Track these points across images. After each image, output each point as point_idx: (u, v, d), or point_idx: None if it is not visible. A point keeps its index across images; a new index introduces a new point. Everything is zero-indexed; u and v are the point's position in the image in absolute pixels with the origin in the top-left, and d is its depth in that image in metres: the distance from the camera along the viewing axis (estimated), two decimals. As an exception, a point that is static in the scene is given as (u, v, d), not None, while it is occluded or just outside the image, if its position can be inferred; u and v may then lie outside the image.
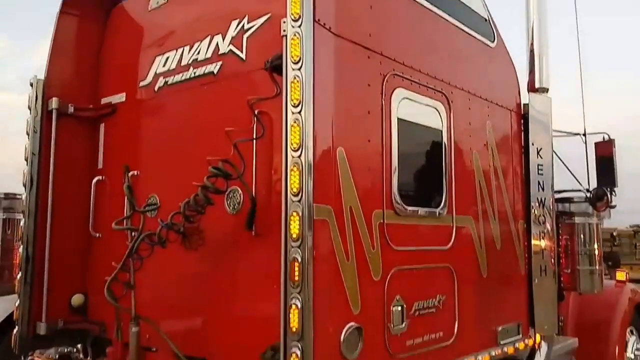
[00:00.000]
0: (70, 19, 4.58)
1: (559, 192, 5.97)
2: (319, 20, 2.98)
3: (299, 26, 2.89)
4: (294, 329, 2.73)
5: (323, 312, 2.82)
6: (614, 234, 27.48)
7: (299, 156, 2.81)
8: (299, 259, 2.74)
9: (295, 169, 2.81)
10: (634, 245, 27.02)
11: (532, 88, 5.07)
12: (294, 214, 2.79)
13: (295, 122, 2.83)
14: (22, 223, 4.30)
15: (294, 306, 2.73)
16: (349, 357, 2.97)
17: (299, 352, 2.70)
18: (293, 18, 2.90)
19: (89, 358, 4.29)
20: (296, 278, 2.74)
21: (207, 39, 3.81)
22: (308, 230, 2.76)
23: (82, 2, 4.61)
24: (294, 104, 2.84)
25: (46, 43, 4.53)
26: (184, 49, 3.96)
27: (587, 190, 5.83)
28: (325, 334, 2.86)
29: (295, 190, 2.80)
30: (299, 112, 2.83)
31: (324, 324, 2.84)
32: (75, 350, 4.33)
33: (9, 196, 6.56)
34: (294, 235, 2.77)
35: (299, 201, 2.78)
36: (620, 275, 7.21)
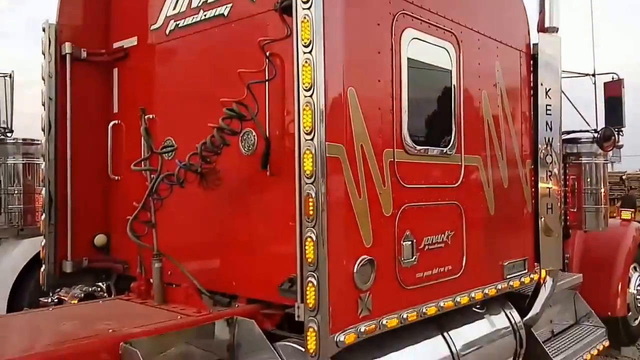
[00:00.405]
0: None
1: (567, 132, 6.05)
2: None
3: None
4: (309, 260, 2.88)
5: (336, 245, 2.96)
6: (624, 177, 27.50)
7: (311, 96, 2.88)
8: (313, 195, 2.86)
9: (307, 108, 2.89)
10: (644, 188, 27.04)
11: (541, 28, 5.03)
12: (307, 152, 2.89)
13: (306, 62, 2.89)
14: (42, 166, 4.45)
15: (309, 239, 2.87)
16: (362, 287, 3.13)
17: (314, 282, 2.85)
18: None
19: (112, 295, 4.50)
20: (310, 213, 2.87)
21: None
22: (321, 168, 2.87)
23: None
24: (305, 43, 2.90)
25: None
26: None
27: (595, 131, 5.89)
28: (339, 265, 3.01)
29: (308, 129, 2.89)
30: (310, 52, 2.89)
31: (337, 256, 2.98)
32: (99, 289, 4.54)
33: (28, 141, 6.67)
34: (308, 173, 2.88)
35: (312, 140, 2.88)
36: (626, 214, 7.34)
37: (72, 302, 4.33)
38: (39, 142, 6.60)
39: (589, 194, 5.79)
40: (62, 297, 4.41)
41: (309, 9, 2.90)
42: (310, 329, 2.88)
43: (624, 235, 6.80)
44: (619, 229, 6.89)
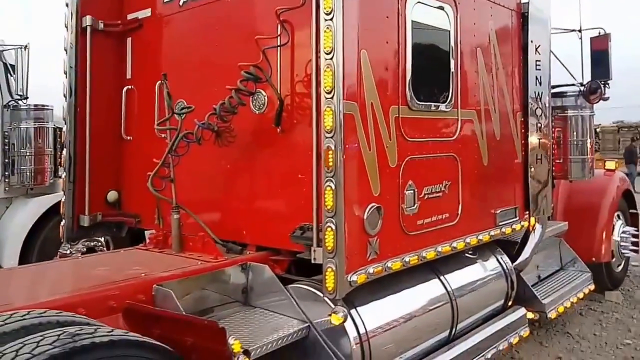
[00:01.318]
0: None
1: (554, 87, 6.29)
2: None
3: None
4: (328, 207, 3.19)
5: (351, 193, 3.27)
6: (598, 130, 27.69)
7: (332, 59, 3.17)
8: (333, 148, 3.16)
9: (328, 70, 3.18)
10: (617, 140, 27.43)
11: (532, -14, 5.27)
12: (328, 109, 3.19)
13: (327, 28, 3.18)
14: (64, 128, 4.69)
15: (328, 188, 3.18)
16: (370, 232, 3.45)
17: (333, 227, 3.18)
18: None
19: (111, 249, 4.82)
20: (330, 164, 3.17)
21: None
22: (340, 123, 3.17)
23: None
24: (327, 11, 3.18)
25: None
26: None
27: (581, 84, 6.13)
28: (353, 212, 3.32)
29: (328, 89, 3.18)
30: (331, 19, 3.17)
31: (351, 204, 3.29)
32: (99, 243, 4.86)
33: (39, 107, 6.87)
34: (328, 128, 3.18)
35: (332, 98, 3.17)
36: (610, 164, 7.63)
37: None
38: (50, 107, 6.86)
39: (575, 145, 6.02)
40: (65, 253, 4.67)
41: None
42: (329, 269, 3.21)
43: (608, 184, 7.04)
44: (603, 179, 7.11)
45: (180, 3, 4.36)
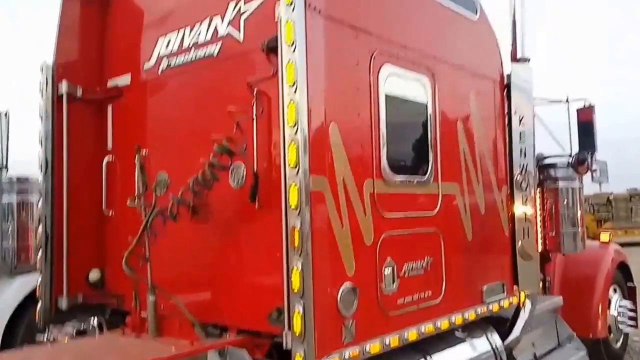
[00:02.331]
0: (75, 3, 4.73)
1: (544, 158, 6.27)
2: (309, 4, 3.22)
3: (292, 11, 3.13)
4: (296, 290, 3.03)
5: (321, 274, 3.13)
6: (610, 197, 27.62)
7: (295, 133, 3.08)
8: (299, 226, 3.03)
9: (292, 144, 3.09)
10: (629, 209, 27.28)
11: (514, 58, 5.33)
12: (293, 185, 3.08)
13: (291, 101, 3.10)
14: (39, 204, 4.53)
15: (295, 269, 3.03)
16: (345, 314, 3.28)
17: (301, 310, 3.01)
18: (286, 3, 3.14)
19: (104, 331, 4.54)
20: (296, 244, 3.04)
21: (207, 21, 3.99)
22: (305, 200, 3.06)
23: None
24: (290, 84, 3.11)
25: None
26: (184, 31, 4.14)
27: (570, 155, 6.11)
28: (324, 293, 3.17)
29: (293, 164, 3.08)
30: (294, 92, 3.10)
31: (322, 285, 3.14)
32: (90, 327, 4.54)
33: (22, 179, 6.75)
34: (293, 205, 3.06)
35: (297, 174, 3.06)
36: (604, 236, 7.53)
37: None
38: (34, 179, 6.67)
39: (565, 217, 5.96)
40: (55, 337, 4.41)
41: (293, 52, 3.12)
42: (298, 355, 3.02)
43: (603, 257, 6.96)
44: (598, 251, 7.04)
45: (159, 70, 4.32)
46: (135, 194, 4.09)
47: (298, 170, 3.06)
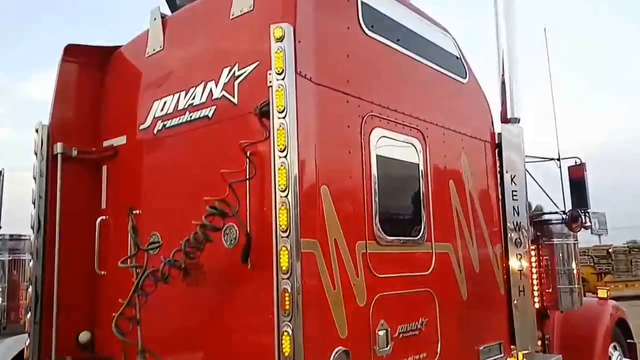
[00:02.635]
0: (72, 66, 4.85)
1: (538, 215, 6.30)
2: (300, 72, 3.30)
3: (283, 79, 3.21)
4: (286, 354, 2.99)
5: (313, 338, 3.09)
6: (610, 250, 27.45)
7: (286, 196, 3.11)
8: (289, 290, 3.02)
9: (283, 207, 3.11)
10: (629, 261, 27.08)
11: (504, 119, 5.44)
12: (283, 248, 3.08)
13: (282, 165, 3.14)
14: (30, 264, 4.50)
15: (285, 333, 3.00)
16: (338, 378, 3.22)
17: None
18: (277, 72, 3.22)
19: None
20: (287, 307, 3.01)
21: (202, 85, 4.08)
22: (296, 263, 3.05)
23: (82, 50, 4.91)
24: (280, 149, 3.16)
25: (39, 77, 4.80)
26: (180, 94, 4.24)
27: (563, 212, 6.14)
28: (316, 358, 3.12)
29: (283, 227, 3.09)
30: (285, 157, 3.14)
31: (314, 349, 3.10)
32: None
33: (14, 237, 6.76)
34: (284, 268, 3.06)
35: (287, 237, 3.07)
36: (602, 292, 7.48)
37: None
38: (26, 237, 6.69)
39: (562, 274, 5.95)
40: None
41: (284, 118, 3.18)
42: None
43: (602, 314, 6.90)
44: (596, 308, 7.00)
45: (155, 131, 4.38)
46: (127, 253, 4.10)
47: (289, 233, 3.07)
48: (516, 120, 5.43)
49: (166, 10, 4.99)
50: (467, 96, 5.00)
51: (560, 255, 6.03)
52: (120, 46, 5.02)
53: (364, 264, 3.56)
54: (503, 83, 5.52)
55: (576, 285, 5.99)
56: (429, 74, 4.53)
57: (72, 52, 4.86)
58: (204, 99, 4.07)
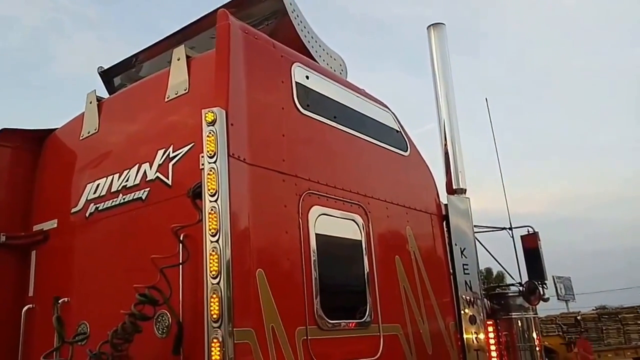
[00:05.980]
0: (5, 150, 4.75)
1: (494, 288, 6.18)
2: (233, 154, 3.21)
3: (215, 162, 3.11)
4: None
5: None
6: (579, 317, 27.17)
7: (218, 283, 2.94)
8: None
9: (214, 296, 2.92)
10: (600, 329, 26.74)
11: (449, 190, 5.39)
12: (215, 340, 2.88)
13: (213, 250, 2.99)
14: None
15: None
16: None
17: None
18: (209, 155, 3.13)
19: None
20: None
21: (136, 167, 3.99)
22: (229, 354, 2.85)
23: (14, 135, 4.80)
24: (212, 233, 3.01)
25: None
26: (114, 176, 4.13)
27: (520, 284, 6.02)
28: None
29: (215, 316, 2.90)
30: (217, 241, 2.99)
31: None
32: None
33: None
34: None
35: (219, 327, 2.88)
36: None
37: None
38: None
39: (524, 351, 5.75)
40: None
41: (216, 201, 3.05)
42: None
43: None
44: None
45: (87, 214, 4.23)
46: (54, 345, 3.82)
47: (221, 323, 2.88)
48: (462, 191, 5.38)
49: (104, 93, 4.94)
50: (409, 169, 4.96)
51: (520, 329, 5.85)
52: (56, 129, 4.92)
53: (305, 352, 3.35)
54: (446, 154, 5.51)
55: (539, 360, 5.79)
56: (368, 149, 4.49)
57: (6, 137, 4.75)
58: (137, 181, 3.96)
